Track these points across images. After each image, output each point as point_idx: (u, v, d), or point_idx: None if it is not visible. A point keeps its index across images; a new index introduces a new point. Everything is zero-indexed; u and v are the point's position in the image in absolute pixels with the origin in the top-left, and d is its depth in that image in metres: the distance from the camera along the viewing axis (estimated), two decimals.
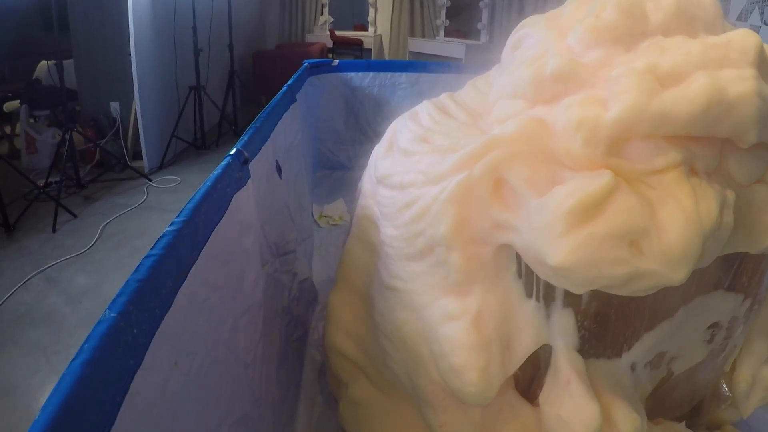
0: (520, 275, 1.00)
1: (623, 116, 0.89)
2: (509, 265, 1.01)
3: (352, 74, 2.88)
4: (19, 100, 4.18)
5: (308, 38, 6.73)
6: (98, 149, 3.89)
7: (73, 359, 0.54)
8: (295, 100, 1.99)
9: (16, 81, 4.79)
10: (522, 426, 1.02)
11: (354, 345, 1.33)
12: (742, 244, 0.99)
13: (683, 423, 1.19)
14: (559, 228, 0.84)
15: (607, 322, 1.00)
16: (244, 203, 1.13)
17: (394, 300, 1.13)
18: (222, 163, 1.08)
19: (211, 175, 1.01)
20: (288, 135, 1.79)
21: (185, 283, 0.79)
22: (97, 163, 3.99)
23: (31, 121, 4.27)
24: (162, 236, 0.78)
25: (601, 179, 0.85)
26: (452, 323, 0.99)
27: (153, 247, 0.75)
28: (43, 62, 4.51)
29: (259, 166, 1.30)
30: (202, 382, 0.81)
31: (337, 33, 6.72)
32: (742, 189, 0.99)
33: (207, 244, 0.90)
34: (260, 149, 1.33)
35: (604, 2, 1.03)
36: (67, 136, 3.33)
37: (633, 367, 1.07)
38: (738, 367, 1.22)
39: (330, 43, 6.54)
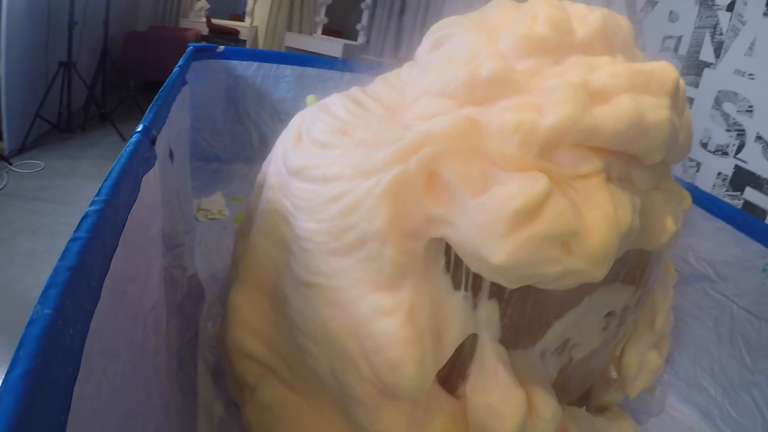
0: (448, 268, 1.02)
1: (559, 124, 0.95)
2: (438, 259, 1.02)
3: (236, 63, 2.72)
4: None
5: (183, 23, 6.27)
6: None
7: (9, 371, 0.42)
8: (186, 83, 1.83)
9: None
10: (449, 417, 1.04)
11: (262, 345, 1.24)
12: (641, 242, 1.10)
13: (583, 408, 1.28)
14: (501, 229, 0.88)
15: (525, 311, 1.06)
16: (152, 186, 1.00)
17: (316, 297, 1.08)
18: (131, 139, 0.95)
19: (122, 152, 0.88)
20: (179, 119, 1.64)
21: (108, 273, 0.67)
22: None
23: None
24: (85, 217, 0.65)
25: (539, 183, 0.90)
26: (386, 318, 0.97)
27: (77, 229, 0.62)
28: None
29: (159, 147, 1.16)
30: (126, 391, 0.69)
31: (214, 21, 6.35)
32: (642, 195, 1.10)
33: (124, 229, 0.78)
34: (161, 130, 1.19)
35: (535, 14, 1.10)
36: None
37: (543, 355, 1.14)
38: (626, 353, 1.35)
39: (205, 31, 6.17)
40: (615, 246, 0.94)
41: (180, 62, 1.96)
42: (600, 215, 0.94)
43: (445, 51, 1.21)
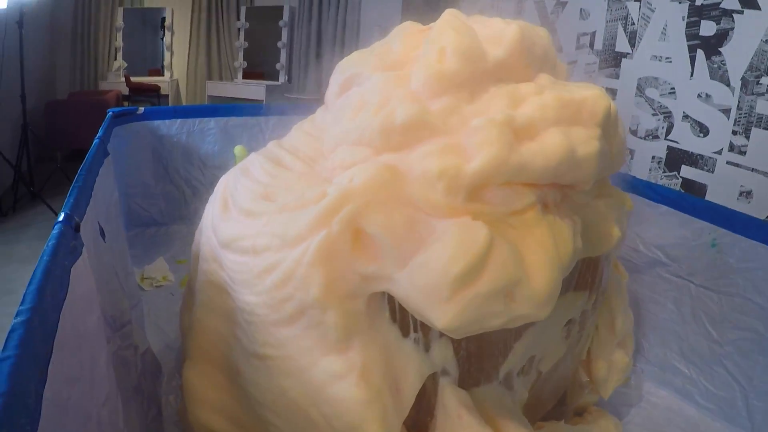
0: (394, 318, 1.01)
1: (485, 167, 0.93)
2: (382, 311, 1.01)
3: (158, 122, 2.66)
4: None
5: (102, 85, 6.09)
6: None
7: None
8: (108, 154, 1.78)
9: None
10: None
11: (224, 420, 1.19)
12: (588, 251, 1.11)
13: (562, 422, 1.28)
14: (445, 293, 0.87)
15: (481, 342, 1.04)
16: (82, 276, 0.96)
17: (269, 368, 1.04)
18: (53, 231, 0.91)
19: (45, 248, 0.84)
20: (105, 193, 1.58)
21: (46, 384, 0.64)
22: None
23: None
24: (11, 330, 0.62)
25: (479, 237, 0.88)
26: (340, 382, 0.95)
27: (4, 347, 0.59)
28: None
29: (86, 230, 1.12)
30: None
31: (133, 79, 6.21)
32: (582, 208, 1.11)
33: (57, 331, 0.74)
34: (86, 211, 1.16)
35: (442, 46, 1.07)
36: None
37: (509, 380, 1.12)
38: (594, 359, 1.36)
39: (126, 90, 6.01)
40: (558, 284, 0.94)
41: (99, 132, 1.91)
42: (541, 254, 0.93)
43: (356, 95, 1.19)
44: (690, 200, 1.72)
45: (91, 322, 0.95)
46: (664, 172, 2.50)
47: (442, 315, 0.87)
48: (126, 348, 1.35)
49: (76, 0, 5.85)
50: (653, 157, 2.54)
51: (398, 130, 1.02)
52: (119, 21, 6.26)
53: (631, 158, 2.62)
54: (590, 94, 1.07)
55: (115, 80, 6.26)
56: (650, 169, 2.56)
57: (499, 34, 1.12)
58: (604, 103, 1.07)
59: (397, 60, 1.20)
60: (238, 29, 6.02)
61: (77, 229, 0.97)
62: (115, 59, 6.41)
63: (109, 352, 1.09)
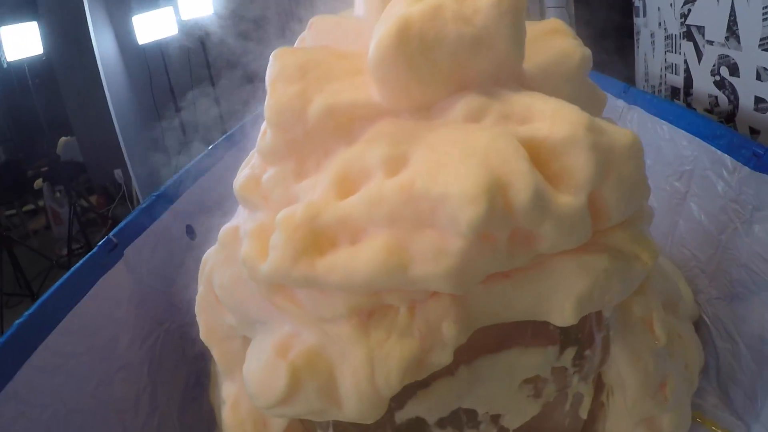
0: None
1: (269, 274, 0.83)
2: None
3: None
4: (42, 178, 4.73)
5: None
6: (110, 214, 4.35)
7: None
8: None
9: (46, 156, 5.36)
10: None
11: None
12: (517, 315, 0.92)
13: None
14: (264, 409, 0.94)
15: None
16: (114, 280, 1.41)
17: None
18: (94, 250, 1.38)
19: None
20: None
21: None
22: (110, 227, 4.45)
23: (57, 195, 4.79)
24: None
25: (279, 382, 0.87)
26: (224, 406, 1.20)
27: None
28: (62, 138, 5.04)
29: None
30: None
31: None
32: (527, 271, 0.88)
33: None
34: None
35: (266, 106, 0.94)
36: (72, 209, 3.79)
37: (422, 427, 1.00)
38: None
39: None
40: (375, 413, 0.85)
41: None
42: (351, 385, 0.84)
43: None
44: None
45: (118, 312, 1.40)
46: None
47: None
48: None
49: None
50: None
51: (237, 192, 1.05)
52: None
53: None
54: (459, 196, 0.72)
55: None
56: None
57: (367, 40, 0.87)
58: (476, 209, 0.72)
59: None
60: None
61: (113, 248, 1.42)
62: None
63: (161, 330, 1.55)
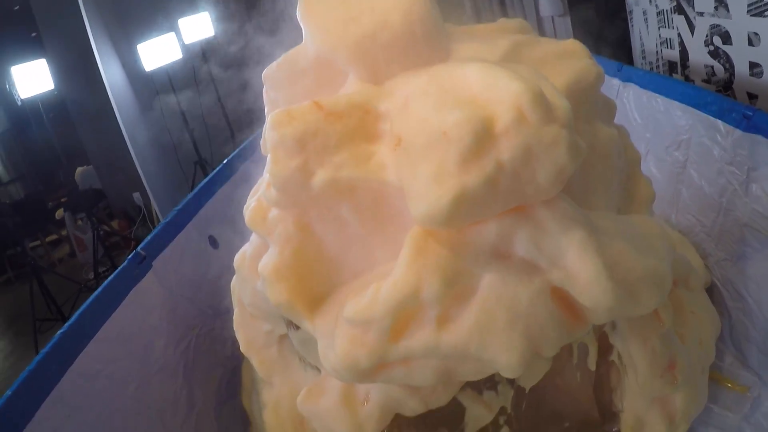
0: (304, 361, 1.25)
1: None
2: (293, 356, 1.28)
3: None
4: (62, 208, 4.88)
5: None
6: (132, 236, 4.47)
7: None
8: None
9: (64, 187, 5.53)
10: None
11: None
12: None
13: None
14: None
15: None
16: (146, 290, 1.49)
17: None
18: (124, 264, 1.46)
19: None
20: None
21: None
22: (133, 248, 4.57)
23: (79, 222, 4.94)
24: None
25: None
26: (264, 410, 1.30)
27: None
28: (79, 168, 5.19)
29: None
30: None
31: None
32: None
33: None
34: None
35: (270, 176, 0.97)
36: (95, 234, 3.92)
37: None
38: (624, 408, 1.16)
39: None
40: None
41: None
42: None
43: None
44: None
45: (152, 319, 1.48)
46: None
47: None
48: (225, 329, 1.89)
49: None
50: None
51: (247, 224, 1.13)
52: None
53: None
54: (505, 363, 0.87)
55: None
56: None
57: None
58: (514, 375, 0.89)
59: None
60: None
61: (141, 260, 1.51)
62: None
63: (192, 335, 1.63)
